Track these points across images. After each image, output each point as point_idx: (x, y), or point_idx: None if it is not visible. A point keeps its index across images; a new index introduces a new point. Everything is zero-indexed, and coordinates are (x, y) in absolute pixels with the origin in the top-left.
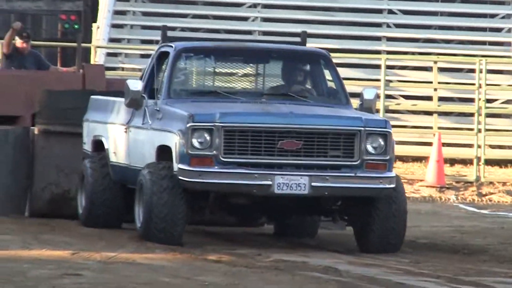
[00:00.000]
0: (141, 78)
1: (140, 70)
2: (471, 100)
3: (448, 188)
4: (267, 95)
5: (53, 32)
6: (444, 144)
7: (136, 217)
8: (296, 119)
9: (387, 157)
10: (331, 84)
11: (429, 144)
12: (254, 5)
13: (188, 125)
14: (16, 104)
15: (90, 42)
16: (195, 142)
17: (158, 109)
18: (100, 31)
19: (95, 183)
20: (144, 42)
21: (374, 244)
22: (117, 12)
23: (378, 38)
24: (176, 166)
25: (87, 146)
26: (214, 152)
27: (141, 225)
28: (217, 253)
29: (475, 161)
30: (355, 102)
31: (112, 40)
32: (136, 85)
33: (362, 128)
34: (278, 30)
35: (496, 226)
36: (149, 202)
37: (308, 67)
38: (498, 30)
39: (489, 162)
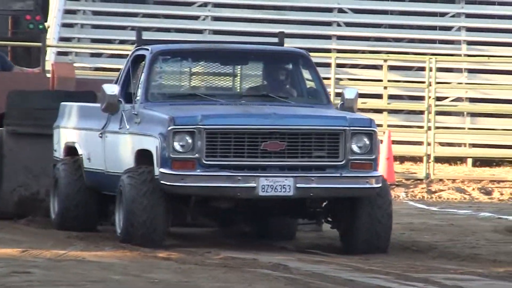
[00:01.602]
0: (116, 82)
1: (90, 69)
2: (421, 98)
3: (397, 185)
4: (247, 96)
5: (3, 31)
6: (394, 142)
7: (116, 222)
8: (279, 119)
9: (373, 157)
10: (310, 84)
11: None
12: (205, 4)
13: (169, 128)
14: None
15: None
16: (177, 146)
17: (136, 113)
18: (51, 30)
19: (68, 188)
20: (94, 41)
21: (360, 246)
22: (68, 12)
23: (328, 37)
24: (158, 170)
25: (58, 154)
26: (196, 155)
27: (121, 230)
28: (167, 251)
29: (424, 158)
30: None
31: (62, 39)
32: (112, 89)
33: (347, 128)
34: (228, 29)
35: (445, 223)
36: (129, 207)
37: (287, 68)
38: (448, 28)
39: (439, 160)
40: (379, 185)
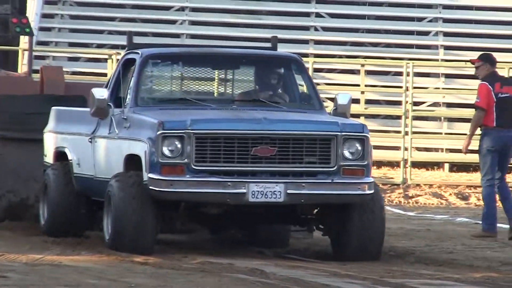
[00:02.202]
0: (106, 86)
1: (67, 73)
2: (398, 103)
3: None
4: (238, 101)
5: None
6: None
7: (104, 228)
8: (270, 124)
9: (365, 163)
10: (303, 89)
11: None
12: (182, 8)
13: (158, 132)
14: None
15: (18, 45)
16: (166, 150)
17: (125, 117)
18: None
19: (58, 193)
20: (71, 45)
21: (352, 253)
22: (45, 16)
23: (305, 42)
24: (146, 175)
25: (48, 159)
26: (186, 160)
27: (110, 236)
28: (144, 255)
29: (401, 163)
30: None
31: (40, 43)
32: (101, 93)
33: (339, 133)
34: (206, 33)
35: (422, 228)
36: (117, 212)
37: (279, 72)
38: (426, 33)
39: (416, 165)
40: (371, 191)
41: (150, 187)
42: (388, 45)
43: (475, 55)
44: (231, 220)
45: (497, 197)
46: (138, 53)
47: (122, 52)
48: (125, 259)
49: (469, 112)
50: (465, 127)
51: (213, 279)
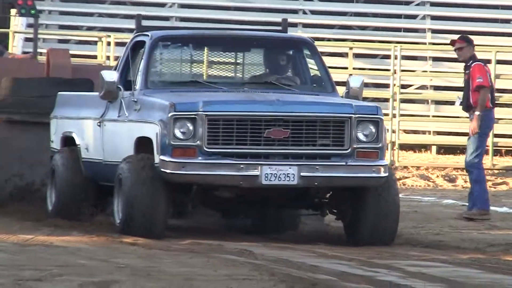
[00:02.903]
0: (115, 69)
1: None
2: (386, 86)
3: None
4: (250, 84)
5: None
6: None
7: (115, 212)
8: (283, 106)
9: (379, 145)
10: (315, 72)
11: None
12: None
13: (169, 114)
14: None
15: (8, 27)
16: (178, 132)
17: (135, 100)
18: (19, 17)
19: (66, 179)
20: (62, 27)
21: (365, 238)
22: None
23: (294, 25)
24: (158, 157)
25: (55, 144)
26: (198, 142)
27: (120, 220)
28: (133, 236)
29: (389, 146)
30: None
31: (30, 25)
32: (111, 76)
33: (353, 115)
34: (195, 16)
35: (410, 210)
36: (128, 195)
37: (291, 55)
38: (413, 16)
39: (403, 147)
40: (386, 174)
41: (162, 170)
42: (376, 29)
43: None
44: (243, 204)
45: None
46: (147, 35)
47: (112, 35)
48: (115, 240)
49: (456, 95)
50: (452, 110)
51: (201, 259)
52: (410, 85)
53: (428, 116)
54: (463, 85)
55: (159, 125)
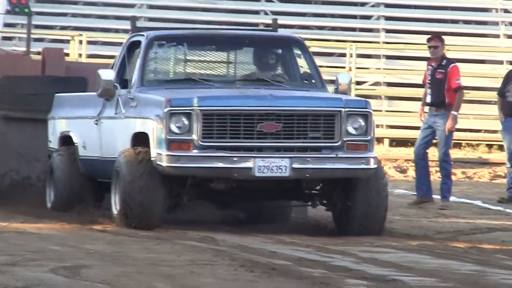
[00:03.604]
0: (112, 68)
1: (33, 53)
2: None
3: None
4: (242, 81)
5: None
6: None
7: (112, 204)
8: (275, 101)
9: (368, 138)
10: (305, 69)
11: None
12: None
13: (165, 109)
14: None
15: None
16: (173, 127)
17: (131, 97)
18: None
19: (64, 177)
20: (37, 26)
21: (355, 228)
22: None
23: (256, 25)
24: (154, 151)
25: (53, 144)
26: (193, 136)
27: (118, 212)
28: (102, 224)
29: None
30: None
31: (7, 25)
32: (108, 74)
33: (342, 109)
34: (162, 16)
35: None
36: (125, 188)
37: (281, 53)
38: (368, 17)
39: None
40: (375, 166)
41: (158, 163)
42: (333, 28)
43: (413, 38)
44: (237, 195)
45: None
46: (143, 35)
47: (84, 34)
48: (85, 227)
49: (408, 91)
50: (404, 105)
51: (166, 246)
52: (365, 82)
53: (381, 111)
54: (423, 82)
55: (156, 120)
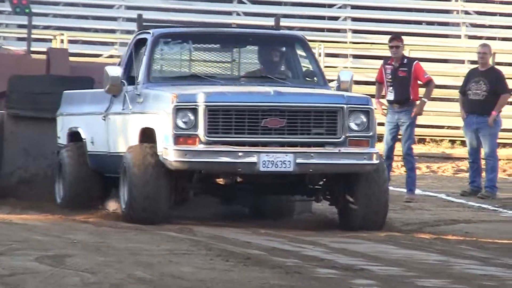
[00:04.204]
0: (119, 65)
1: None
2: None
3: None
4: (246, 77)
5: None
6: None
7: (120, 198)
8: (279, 97)
9: (370, 134)
10: (307, 66)
11: None
12: None
13: (172, 105)
14: None
15: None
16: (180, 122)
17: (138, 93)
18: None
19: (73, 172)
20: (20, 26)
21: (357, 222)
22: None
23: (228, 25)
24: (161, 146)
25: (62, 140)
26: (199, 131)
27: (125, 206)
28: (85, 214)
29: None
30: None
31: None
32: (115, 71)
33: (345, 105)
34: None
35: None
36: (133, 182)
37: (284, 50)
38: (335, 18)
39: None
40: (377, 161)
41: (164, 158)
42: (302, 29)
43: (379, 38)
44: (242, 190)
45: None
46: (149, 32)
47: (65, 33)
48: (68, 218)
49: (374, 89)
50: None
51: (145, 236)
52: (332, 80)
53: None
54: (377, 80)
55: (162, 116)
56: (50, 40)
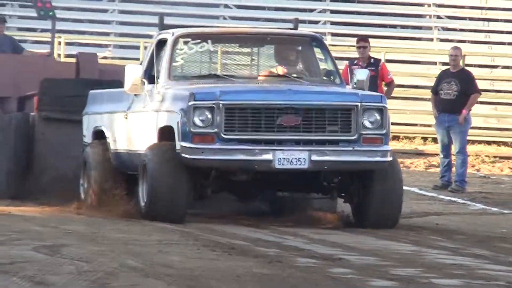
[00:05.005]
0: (140, 64)
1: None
2: None
3: None
4: (263, 76)
5: None
6: None
7: (139, 197)
8: (295, 95)
9: (384, 131)
10: (324, 65)
11: None
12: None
13: (189, 103)
14: (3, 85)
15: None
16: (197, 120)
17: (158, 92)
18: None
19: (96, 169)
20: (20, 29)
21: (371, 220)
22: None
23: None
24: (179, 144)
25: (87, 139)
26: (216, 129)
27: (145, 203)
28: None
29: None
30: None
31: None
32: (136, 70)
33: (359, 103)
34: (132, 20)
35: None
36: (152, 180)
37: (301, 50)
38: (315, 22)
39: None
40: (390, 158)
41: (183, 155)
42: None
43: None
44: (258, 187)
45: None
46: (170, 33)
47: (62, 36)
48: (64, 210)
49: None
50: None
51: (137, 227)
52: None
53: None
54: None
55: (180, 114)
56: (48, 42)
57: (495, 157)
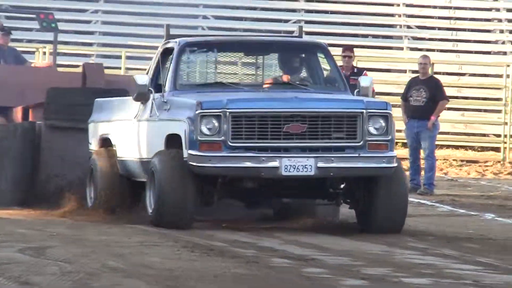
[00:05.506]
0: (147, 73)
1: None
2: None
3: None
4: (268, 84)
5: None
6: None
7: (147, 204)
8: (301, 103)
9: (389, 138)
10: (328, 73)
11: None
12: (96, 11)
13: (196, 112)
14: (8, 96)
15: None
16: (204, 129)
17: (165, 101)
18: None
19: (103, 176)
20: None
21: (377, 225)
22: None
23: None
24: (186, 152)
25: (94, 146)
26: (223, 137)
27: (153, 210)
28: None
29: None
30: None
31: None
32: (143, 79)
33: (364, 110)
34: (115, 31)
35: None
36: (160, 187)
37: (306, 57)
38: (290, 32)
39: None
40: (396, 164)
41: (190, 163)
42: None
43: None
44: (265, 194)
45: None
46: (176, 42)
47: (47, 46)
48: (48, 213)
49: None
50: None
51: (118, 229)
52: None
53: None
54: None
55: (187, 122)
56: (33, 52)
57: (462, 161)
